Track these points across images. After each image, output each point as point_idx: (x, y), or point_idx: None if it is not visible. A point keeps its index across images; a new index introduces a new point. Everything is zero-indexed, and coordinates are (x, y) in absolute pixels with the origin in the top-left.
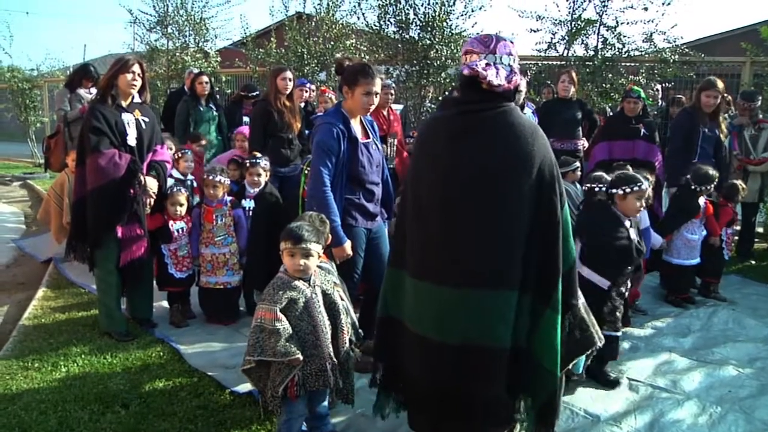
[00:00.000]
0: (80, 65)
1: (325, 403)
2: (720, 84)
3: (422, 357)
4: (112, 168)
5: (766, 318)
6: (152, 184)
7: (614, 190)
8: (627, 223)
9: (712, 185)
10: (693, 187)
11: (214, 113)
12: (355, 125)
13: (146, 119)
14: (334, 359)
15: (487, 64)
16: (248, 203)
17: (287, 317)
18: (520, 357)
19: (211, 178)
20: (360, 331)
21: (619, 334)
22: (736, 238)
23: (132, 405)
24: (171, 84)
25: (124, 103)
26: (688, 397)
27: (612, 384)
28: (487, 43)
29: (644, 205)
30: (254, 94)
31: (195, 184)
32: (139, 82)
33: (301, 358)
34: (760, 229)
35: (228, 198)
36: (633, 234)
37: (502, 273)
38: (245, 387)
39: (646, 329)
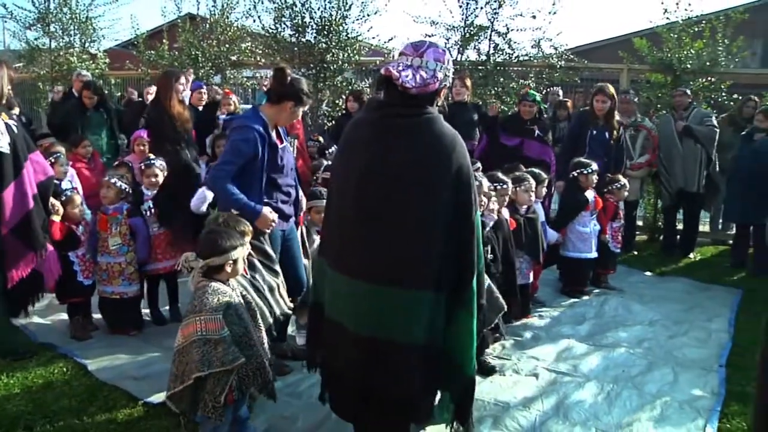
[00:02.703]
0: None
1: (245, 407)
2: (610, 89)
3: (339, 346)
4: None
5: (650, 303)
6: (58, 205)
7: None
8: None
9: (590, 169)
10: (573, 174)
11: (104, 117)
12: (272, 130)
13: (15, 122)
14: (268, 353)
15: (408, 66)
16: (148, 204)
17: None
18: (437, 355)
19: (105, 179)
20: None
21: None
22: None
23: (36, 426)
24: (55, 86)
25: None
26: (588, 378)
27: (491, 371)
28: (418, 47)
29: (532, 199)
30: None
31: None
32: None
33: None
34: (640, 223)
35: (125, 205)
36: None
37: (415, 273)
38: (159, 397)
39: (545, 319)
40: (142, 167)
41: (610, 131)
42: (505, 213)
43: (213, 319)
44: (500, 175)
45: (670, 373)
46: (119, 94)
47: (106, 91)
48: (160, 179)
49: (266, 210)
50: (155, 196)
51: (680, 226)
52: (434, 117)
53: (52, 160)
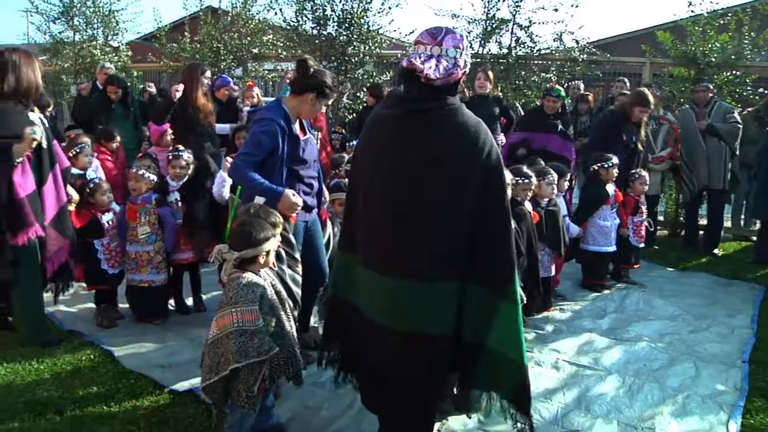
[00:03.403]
0: None
1: (271, 396)
2: (652, 99)
3: (370, 339)
4: None
5: (671, 298)
6: (73, 193)
7: None
8: None
9: (611, 163)
10: (594, 168)
11: (128, 110)
12: (295, 122)
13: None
14: (297, 341)
15: (429, 57)
16: (174, 195)
17: None
18: (472, 349)
19: (134, 171)
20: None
21: None
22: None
23: (66, 410)
24: (78, 78)
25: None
26: (609, 372)
27: None
28: (435, 35)
29: (554, 192)
30: None
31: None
32: None
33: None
34: (661, 218)
35: (153, 195)
36: None
37: (439, 267)
38: (184, 385)
39: (566, 313)
40: (170, 158)
41: (638, 135)
42: (528, 206)
43: (249, 310)
44: (524, 168)
45: (691, 368)
46: (141, 86)
47: (129, 84)
48: (186, 172)
49: (289, 192)
50: (182, 188)
51: (702, 222)
52: (457, 108)
53: (77, 151)
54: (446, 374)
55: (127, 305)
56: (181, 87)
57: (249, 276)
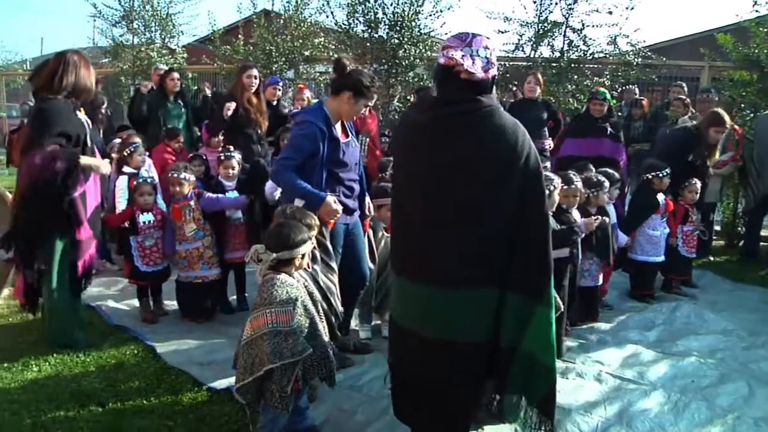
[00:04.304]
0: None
1: (305, 397)
2: (727, 118)
3: (407, 349)
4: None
5: (724, 311)
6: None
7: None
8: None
9: (664, 173)
10: (646, 177)
11: (182, 110)
12: (337, 125)
13: (86, 118)
14: (330, 342)
15: (464, 55)
16: (232, 194)
17: None
18: (507, 354)
19: (175, 175)
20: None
21: None
22: (698, 233)
23: (108, 403)
24: (136, 80)
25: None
26: (654, 387)
27: None
28: (463, 38)
29: (606, 201)
30: None
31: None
32: None
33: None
34: (717, 228)
35: (192, 192)
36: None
37: (478, 272)
38: (222, 383)
39: (612, 323)
40: (221, 158)
41: (708, 158)
42: (576, 215)
43: (284, 311)
44: (572, 175)
45: (744, 387)
46: (195, 87)
47: (184, 85)
48: (237, 173)
49: (330, 198)
50: (238, 189)
51: (764, 232)
52: (494, 109)
53: (132, 150)
54: (473, 380)
55: (174, 302)
56: (232, 105)
57: (283, 277)
